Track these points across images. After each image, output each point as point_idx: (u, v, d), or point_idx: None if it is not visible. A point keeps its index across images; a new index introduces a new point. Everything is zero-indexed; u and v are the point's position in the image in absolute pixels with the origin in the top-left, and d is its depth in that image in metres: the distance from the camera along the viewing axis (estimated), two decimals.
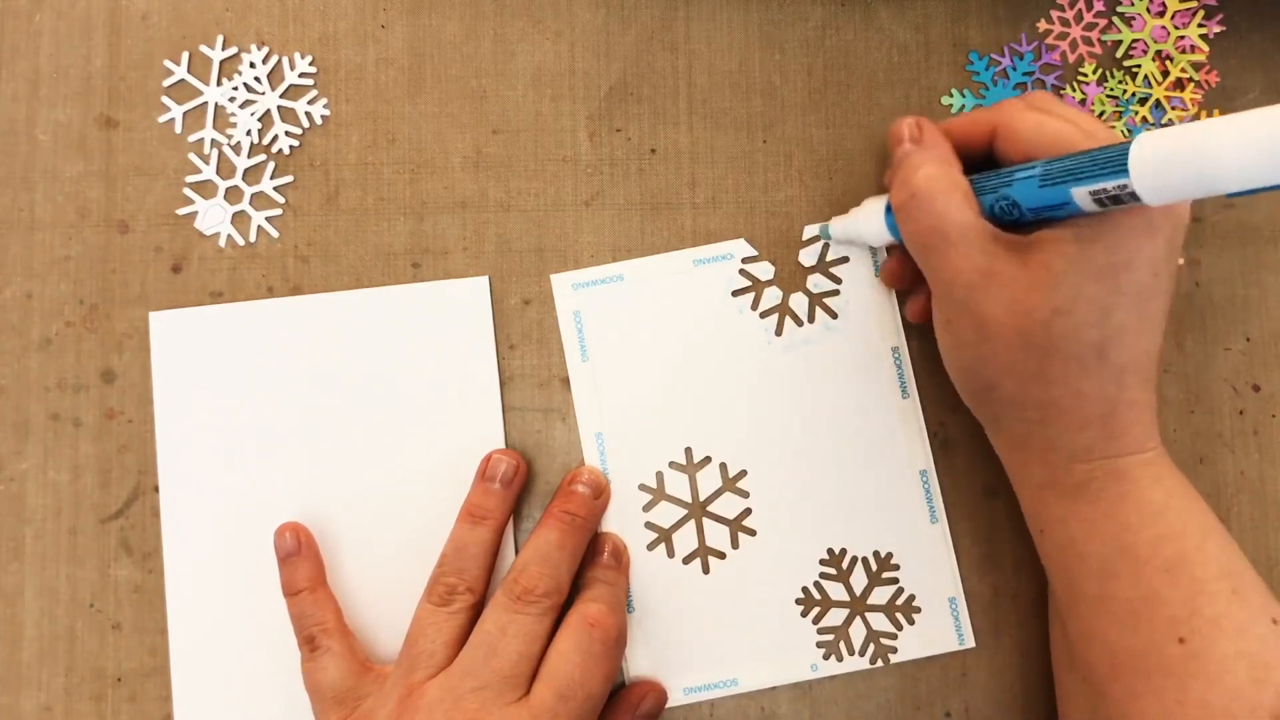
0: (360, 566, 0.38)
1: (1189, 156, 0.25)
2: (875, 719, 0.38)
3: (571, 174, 0.40)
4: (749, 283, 0.39)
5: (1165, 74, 0.40)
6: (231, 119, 0.39)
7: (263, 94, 0.39)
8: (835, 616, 0.38)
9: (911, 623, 0.38)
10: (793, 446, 0.39)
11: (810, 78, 0.40)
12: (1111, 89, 0.40)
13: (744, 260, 0.39)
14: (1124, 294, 0.30)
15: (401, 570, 0.37)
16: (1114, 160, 0.27)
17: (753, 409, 0.39)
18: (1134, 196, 0.27)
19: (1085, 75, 0.40)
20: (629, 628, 0.38)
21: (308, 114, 0.39)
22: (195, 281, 0.39)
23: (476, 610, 0.35)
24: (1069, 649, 0.34)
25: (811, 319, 0.39)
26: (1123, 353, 0.30)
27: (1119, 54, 0.40)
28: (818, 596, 0.38)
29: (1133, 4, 0.40)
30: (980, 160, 0.34)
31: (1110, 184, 0.27)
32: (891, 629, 0.38)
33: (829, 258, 0.39)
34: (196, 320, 0.38)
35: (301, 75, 0.39)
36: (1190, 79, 0.40)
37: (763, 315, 0.39)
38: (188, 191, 0.39)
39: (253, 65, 0.39)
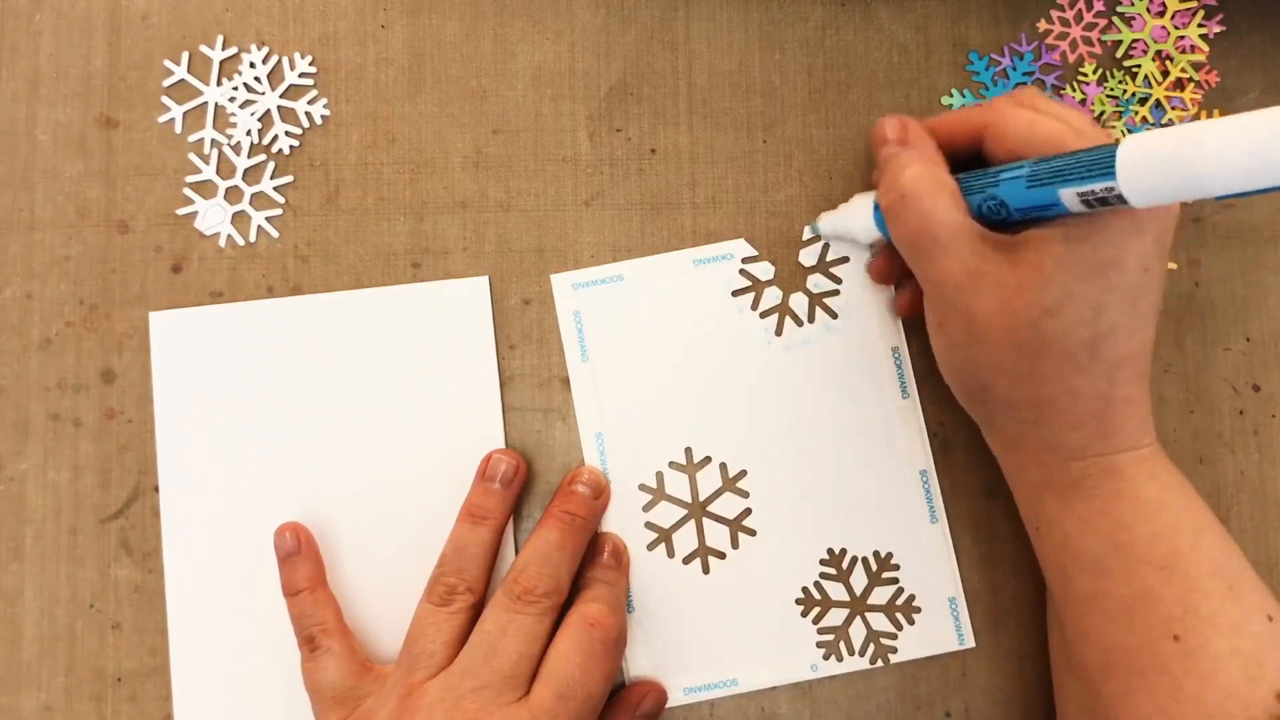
0: (360, 566, 0.38)
1: (1175, 160, 0.25)
2: (875, 719, 0.38)
3: (571, 174, 0.40)
4: (749, 283, 0.39)
5: (1165, 74, 0.40)
6: (231, 119, 0.39)
7: (263, 94, 0.39)
8: (835, 616, 0.38)
9: (911, 623, 0.38)
10: (793, 446, 0.39)
11: (810, 78, 0.40)
12: (1111, 89, 0.40)
13: (744, 260, 0.39)
14: (1114, 292, 0.30)
15: (401, 570, 0.37)
16: (1101, 163, 0.27)
17: (753, 409, 0.39)
18: (1121, 199, 0.27)
19: (1085, 75, 0.40)
20: (629, 628, 0.38)
21: (308, 114, 0.39)
22: (195, 281, 0.39)
23: (476, 610, 0.35)
24: (1066, 648, 0.34)
25: (811, 319, 0.39)
26: (1115, 350, 0.30)
27: (1119, 54, 0.40)
28: (818, 596, 0.38)
29: (1133, 4, 0.40)
30: (968, 159, 0.34)
31: (1098, 186, 0.27)
32: (891, 629, 0.38)
33: (829, 258, 0.39)
34: (196, 320, 0.38)
35: (301, 75, 0.39)
36: (1190, 79, 0.40)
37: (763, 315, 0.39)
38: (188, 191, 0.39)
39: (253, 65, 0.39)
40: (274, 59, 0.39)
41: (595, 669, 0.34)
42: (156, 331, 0.38)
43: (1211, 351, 0.40)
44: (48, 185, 0.39)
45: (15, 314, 0.38)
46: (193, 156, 0.39)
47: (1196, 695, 0.29)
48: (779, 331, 0.39)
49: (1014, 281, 0.30)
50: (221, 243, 0.39)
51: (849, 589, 0.38)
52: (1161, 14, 0.40)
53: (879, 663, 0.38)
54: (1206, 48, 0.40)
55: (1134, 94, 0.40)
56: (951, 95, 0.40)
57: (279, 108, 0.39)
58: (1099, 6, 0.40)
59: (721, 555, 0.38)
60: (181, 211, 0.39)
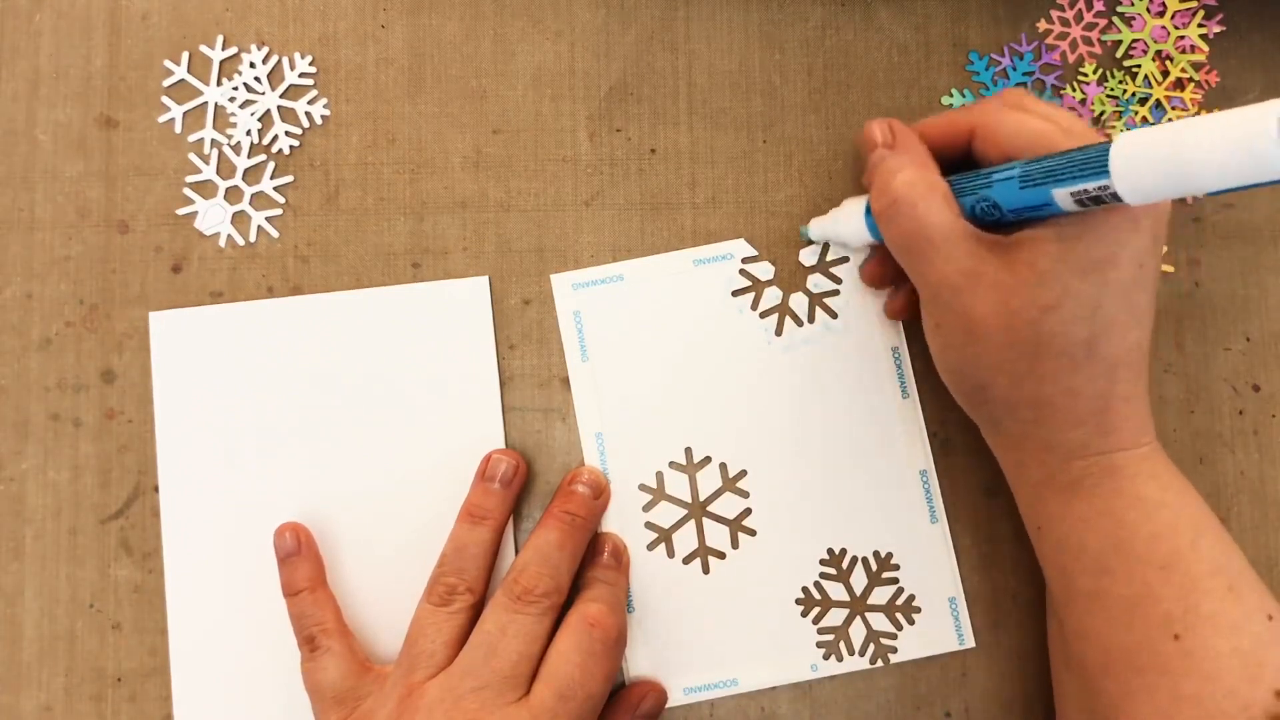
0: (360, 566, 0.38)
1: (1168, 157, 0.25)
2: (875, 719, 0.38)
3: (571, 174, 0.40)
4: (749, 283, 0.39)
5: (1165, 74, 0.40)
6: (231, 119, 0.39)
7: (263, 94, 0.39)
8: (835, 616, 0.38)
9: (911, 623, 0.38)
10: (793, 446, 0.39)
11: (810, 78, 0.40)
12: (1111, 89, 0.40)
13: (744, 260, 0.39)
14: (1110, 289, 0.30)
15: (401, 570, 0.37)
16: (1094, 161, 0.27)
17: (753, 409, 0.39)
18: (1115, 197, 0.27)
19: (1085, 75, 0.40)
20: (629, 628, 0.38)
21: (308, 114, 0.39)
22: (195, 281, 0.39)
23: (476, 610, 0.35)
24: (1065, 646, 0.34)
25: (811, 319, 0.39)
26: (1113, 347, 0.30)
27: (1119, 54, 0.40)
28: (818, 596, 0.38)
29: (1133, 4, 0.40)
30: (958, 161, 0.34)
31: (1091, 185, 0.27)
32: (891, 629, 0.38)
33: (829, 258, 0.39)
34: (196, 320, 0.38)
35: (301, 75, 0.39)
36: (1190, 79, 0.40)
37: (763, 315, 0.39)
38: (188, 191, 0.39)
39: (253, 65, 0.39)
40: (274, 59, 0.39)
41: (595, 669, 0.34)
42: (156, 331, 0.38)
43: (1211, 351, 0.40)
44: (48, 185, 0.39)
45: (15, 314, 0.38)
46: (193, 156, 0.39)
47: (1196, 694, 0.29)
48: (779, 331, 0.39)
49: (1010, 281, 0.30)
50: (221, 243, 0.39)
51: (849, 589, 0.38)
52: (1161, 14, 0.40)
53: (879, 663, 0.38)
54: (1206, 48, 0.40)
55: (1134, 94, 0.40)
56: (951, 95, 0.40)
57: (279, 108, 0.39)
58: (1099, 6, 0.40)
59: (721, 555, 0.38)
60: (181, 211, 0.39)
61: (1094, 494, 0.32)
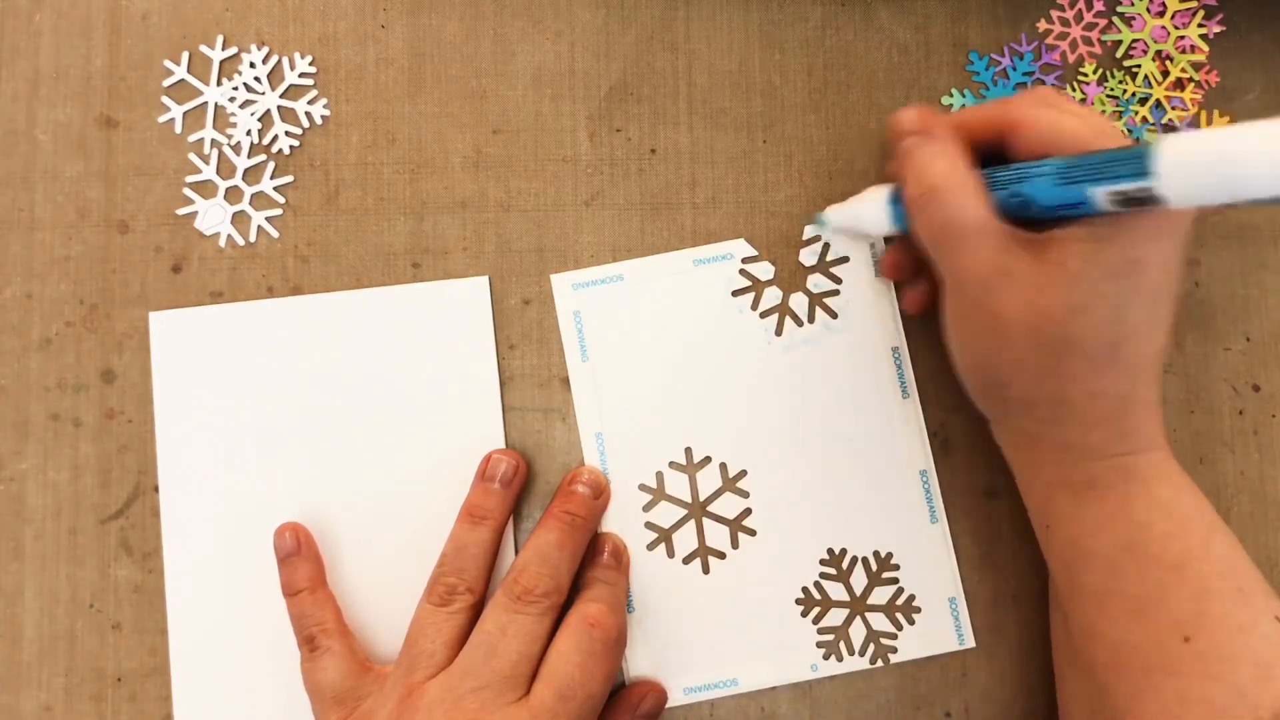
0: (360, 566, 0.38)
1: (1215, 162, 0.25)
2: (875, 719, 0.38)
3: (571, 174, 0.40)
4: (749, 283, 0.39)
5: (1165, 74, 0.40)
6: (231, 119, 0.39)
7: (263, 94, 0.39)
8: (835, 616, 0.38)
9: (911, 623, 0.38)
10: (793, 446, 0.39)
11: (810, 78, 0.40)
12: (1111, 89, 0.40)
13: (744, 260, 0.39)
14: (1138, 293, 0.30)
15: (401, 570, 0.37)
16: (1137, 162, 0.27)
17: (753, 409, 0.39)
18: (1154, 200, 0.27)
19: (1085, 75, 0.40)
20: (629, 628, 0.38)
21: (308, 114, 0.39)
22: (195, 281, 0.39)
23: (476, 610, 0.35)
24: (1071, 645, 0.34)
25: (811, 319, 0.39)
26: (1135, 351, 0.30)
27: (1119, 54, 0.40)
28: (818, 596, 0.38)
29: (1133, 4, 0.40)
30: (986, 155, 0.34)
31: (1131, 186, 0.27)
32: (891, 629, 0.38)
33: (829, 258, 0.39)
34: (196, 320, 0.38)
35: (301, 75, 0.39)
36: (1190, 79, 0.40)
37: (763, 315, 0.39)
38: (188, 191, 0.39)
39: (253, 65, 0.39)
40: (274, 59, 0.39)
41: (595, 669, 0.34)
42: (156, 331, 0.38)
43: (1211, 351, 0.40)
44: (48, 185, 0.39)
45: (15, 314, 0.38)
46: (193, 156, 0.39)
47: (1205, 695, 0.29)
48: (779, 331, 0.39)
49: (1040, 280, 0.30)
50: (221, 243, 0.39)
51: (849, 589, 0.38)
52: (1161, 14, 0.40)
53: (879, 663, 0.38)
54: (1206, 48, 0.40)
55: (1134, 94, 0.40)
56: (951, 95, 0.40)
57: (279, 108, 0.39)
58: (1099, 6, 0.40)
59: (721, 555, 0.38)
60: (181, 211, 0.39)
61: (1107, 495, 0.32)
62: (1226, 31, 0.40)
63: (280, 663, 0.37)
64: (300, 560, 0.37)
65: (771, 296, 0.39)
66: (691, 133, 0.40)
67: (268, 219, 0.39)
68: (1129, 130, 0.40)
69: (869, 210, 0.36)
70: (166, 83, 0.39)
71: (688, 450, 0.39)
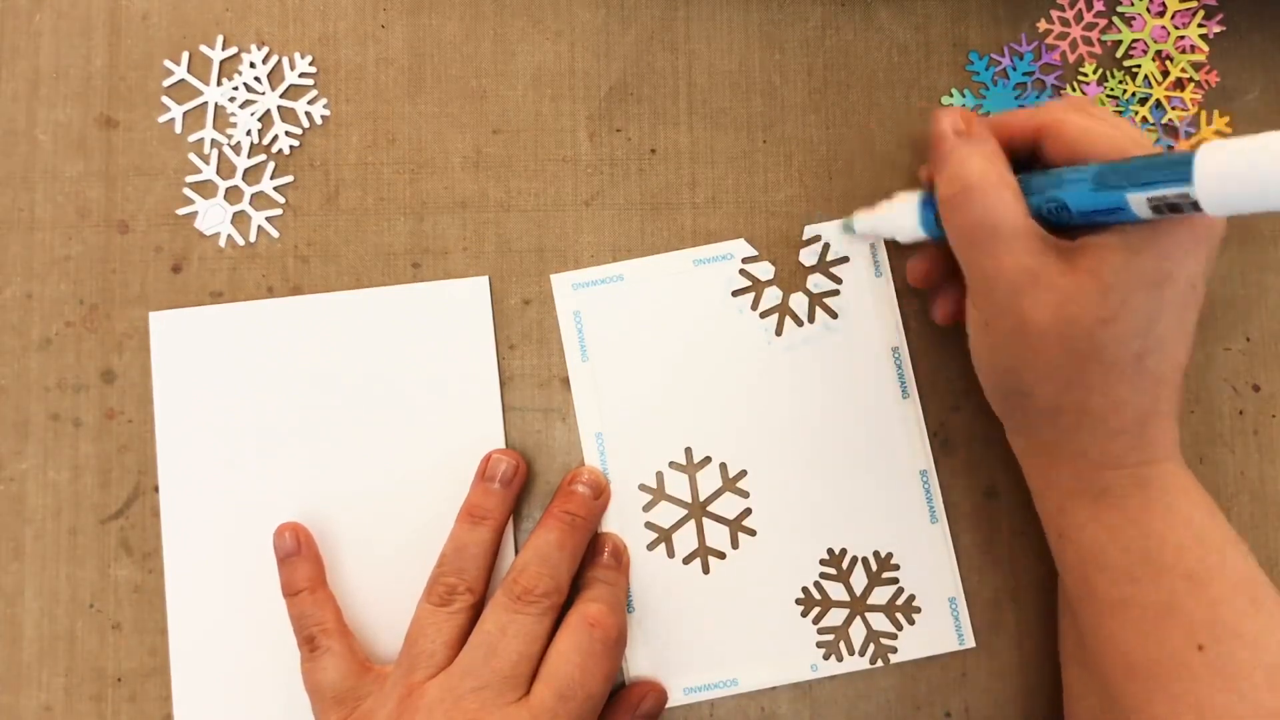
0: (360, 566, 0.38)
1: (1256, 169, 0.25)
2: (875, 719, 0.38)
3: (571, 174, 0.40)
4: (749, 283, 0.39)
5: (1165, 74, 0.40)
6: (231, 119, 0.39)
7: (263, 94, 0.39)
8: (835, 616, 0.38)
9: (911, 623, 0.38)
10: (793, 446, 0.39)
11: (810, 78, 0.40)
12: (1111, 89, 0.40)
13: (744, 260, 0.39)
14: (1167, 305, 0.30)
15: (401, 570, 0.37)
16: (1177, 167, 0.27)
17: (753, 409, 0.39)
18: (1194, 206, 0.27)
19: (1085, 75, 0.40)
20: (629, 628, 0.38)
21: (308, 114, 0.39)
22: (195, 281, 0.39)
23: (476, 610, 0.35)
24: (1081, 650, 0.34)
25: (811, 319, 0.39)
26: (1160, 363, 0.30)
27: (1119, 54, 0.40)
28: (818, 596, 0.38)
29: (1133, 4, 0.40)
30: (1019, 162, 0.34)
31: (1170, 191, 0.27)
32: (891, 629, 0.38)
33: (829, 258, 0.39)
34: (196, 320, 0.38)
35: (301, 75, 0.39)
36: (1190, 79, 0.40)
37: (763, 315, 0.39)
38: (188, 191, 0.39)
39: (253, 65, 0.39)
40: (274, 59, 0.39)
41: (595, 669, 0.34)
42: (156, 331, 0.38)
43: (1211, 351, 0.40)
44: (48, 185, 0.39)
45: (15, 314, 0.38)
46: (193, 156, 0.39)
47: (1219, 705, 0.29)
48: (779, 331, 0.39)
49: (1071, 287, 0.30)
50: (221, 243, 0.39)
51: (849, 589, 0.38)
52: (1161, 14, 0.40)
53: (879, 663, 0.38)
54: (1206, 48, 0.40)
55: (1134, 94, 0.40)
56: (951, 95, 0.40)
57: (279, 108, 0.39)
58: (1099, 6, 0.40)
59: (721, 555, 0.38)
60: (181, 211, 0.39)
61: (1123, 504, 0.32)
62: (1226, 31, 0.40)
63: (280, 663, 0.37)
64: (300, 560, 0.37)
65: (771, 296, 0.39)
66: (691, 133, 0.40)
67: (268, 219, 0.39)
68: None
69: (899, 215, 0.36)
70: (166, 83, 0.39)
71: (688, 450, 0.39)
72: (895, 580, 0.38)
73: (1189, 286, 0.30)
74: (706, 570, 0.38)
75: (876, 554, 0.38)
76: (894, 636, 0.38)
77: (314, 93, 0.39)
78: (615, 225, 0.39)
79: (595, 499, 0.37)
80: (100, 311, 0.38)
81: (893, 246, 0.39)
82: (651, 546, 0.38)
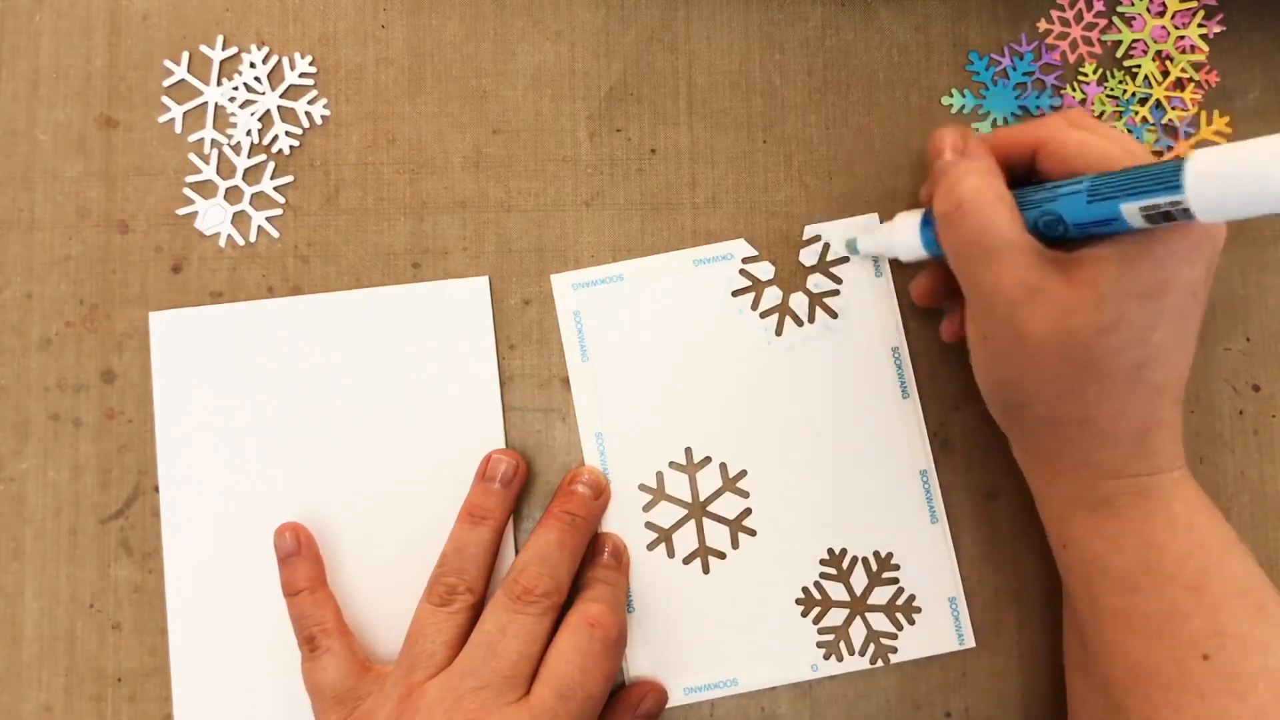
0: (360, 566, 0.38)
1: (1246, 175, 0.25)
2: (875, 719, 0.38)
3: (571, 174, 0.40)
4: (749, 283, 0.39)
5: (1165, 74, 0.40)
6: (231, 119, 0.39)
7: (263, 94, 0.39)
8: (835, 616, 0.38)
9: (911, 623, 0.38)
10: (793, 446, 0.39)
11: (810, 78, 0.40)
12: (1111, 89, 0.40)
13: (744, 260, 0.39)
14: (1165, 314, 0.30)
15: (401, 570, 0.37)
16: (1168, 176, 0.27)
17: (753, 409, 0.39)
18: (1186, 213, 0.27)
19: (1085, 75, 0.40)
20: (629, 628, 0.38)
21: (308, 114, 0.39)
22: (195, 281, 0.39)
23: (476, 610, 0.35)
24: (1085, 660, 0.34)
25: (811, 319, 0.39)
26: (1160, 372, 0.30)
27: (1119, 54, 0.40)
28: (818, 596, 0.38)
29: (1133, 4, 0.40)
30: (1017, 177, 0.34)
31: (1163, 200, 0.27)
32: (891, 629, 0.38)
33: (829, 258, 0.39)
34: (196, 320, 0.38)
35: (301, 75, 0.39)
36: (1190, 79, 0.40)
37: (763, 315, 0.39)
38: (188, 191, 0.39)
39: (253, 65, 0.39)
40: (274, 59, 0.39)
41: (595, 669, 0.34)
42: (156, 331, 0.38)
43: (1211, 351, 0.40)
44: (48, 185, 0.39)
45: (15, 314, 0.38)
46: (193, 156, 0.39)
47: (1224, 714, 0.29)
48: (779, 331, 0.39)
49: (1069, 299, 0.30)
50: (221, 243, 0.39)
51: (849, 589, 0.38)
52: (1161, 14, 0.40)
53: (879, 663, 0.38)
54: (1206, 48, 0.40)
55: (1134, 94, 0.40)
56: (951, 95, 0.40)
57: (279, 108, 0.39)
58: (1099, 6, 0.40)
59: (721, 555, 0.38)
60: (181, 211, 0.39)
61: (1125, 514, 0.32)
62: (1226, 31, 0.40)
63: (280, 663, 0.37)
64: (300, 560, 0.37)
65: (771, 296, 0.39)
66: (691, 133, 0.40)
67: (268, 219, 0.39)
68: (1129, 130, 0.40)
69: (900, 235, 0.36)
70: (166, 83, 0.39)
71: (688, 450, 0.39)
72: (895, 580, 0.38)
73: (1188, 294, 0.30)
74: (706, 570, 0.38)
75: (876, 554, 0.38)
76: (894, 636, 0.38)
77: (314, 93, 0.39)
78: (615, 225, 0.39)
79: (595, 499, 0.37)
80: (100, 311, 0.38)
81: None
82: (651, 546, 0.38)
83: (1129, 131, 0.40)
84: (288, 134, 0.39)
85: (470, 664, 0.33)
